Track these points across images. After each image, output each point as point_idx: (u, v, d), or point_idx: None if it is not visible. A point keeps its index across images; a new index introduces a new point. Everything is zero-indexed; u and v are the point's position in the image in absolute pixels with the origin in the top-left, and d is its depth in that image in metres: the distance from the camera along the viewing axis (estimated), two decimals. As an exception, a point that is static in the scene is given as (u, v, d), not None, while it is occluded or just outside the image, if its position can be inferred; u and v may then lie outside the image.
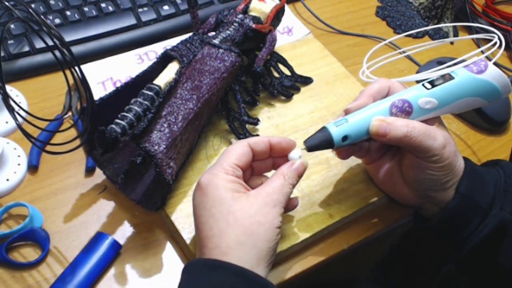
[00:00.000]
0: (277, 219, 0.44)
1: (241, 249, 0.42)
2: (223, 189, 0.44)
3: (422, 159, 0.48)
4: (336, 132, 0.47)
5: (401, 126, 0.47)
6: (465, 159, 0.52)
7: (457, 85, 0.50)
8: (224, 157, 0.46)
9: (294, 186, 0.47)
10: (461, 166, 0.51)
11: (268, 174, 0.50)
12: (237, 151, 0.47)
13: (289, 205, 0.49)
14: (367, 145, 0.52)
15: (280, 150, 0.49)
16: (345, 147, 0.49)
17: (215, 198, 0.44)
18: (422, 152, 0.48)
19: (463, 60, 0.52)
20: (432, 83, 0.50)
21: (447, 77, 0.50)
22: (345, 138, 0.48)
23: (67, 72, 0.43)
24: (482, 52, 0.52)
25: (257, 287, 0.42)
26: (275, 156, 0.50)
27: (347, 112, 0.50)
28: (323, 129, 0.48)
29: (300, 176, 0.47)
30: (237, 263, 0.42)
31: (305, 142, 0.48)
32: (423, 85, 0.50)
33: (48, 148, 0.50)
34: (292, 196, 0.48)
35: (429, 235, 0.55)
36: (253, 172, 0.50)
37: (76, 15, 0.69)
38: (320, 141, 0.48)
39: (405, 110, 0.49)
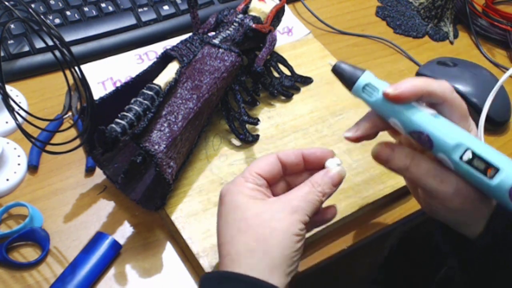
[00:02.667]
0: (294, 225, 0.41)
1: (251, 256, 0.40)
2: (240, 195, 0.43)
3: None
4: (363, 79, 0.43)
5: (404, 157, 0.43)
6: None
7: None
8: (247, 168, 0.45)
9: (325, 195, 0.43)
10: (482, 210, 0.45)
11: None
12: (261, 161, 0.45)
13: (324, 214, 0.47)
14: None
15: (316, 161, 0.46)
16: (361, 97, 0.44)
17: (231, 204, 0.43)
18: (426, 193, 0.44)
19: None
20: (471, 162, 0.41)
21: (489, 172, 0.41)
22: (365, 88, 0.44)
23: (67, 72, 0.44)
24: None
25: None
26: (311, 169, 0.46)
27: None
28: (357, 69, 0.44)
29: (335, 185, 0.44)
30: (247, 271, 0.40)
31: (336, 63, 0.44)
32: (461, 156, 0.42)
33: (48, 148, 0.51)
34: None
35: (432, 235, 0.55)
36: (289, 187, 0.46)
37: (76, 15, 0.69)
38: (347, 72, 0.44)
39: (424, 141, 0.42)
